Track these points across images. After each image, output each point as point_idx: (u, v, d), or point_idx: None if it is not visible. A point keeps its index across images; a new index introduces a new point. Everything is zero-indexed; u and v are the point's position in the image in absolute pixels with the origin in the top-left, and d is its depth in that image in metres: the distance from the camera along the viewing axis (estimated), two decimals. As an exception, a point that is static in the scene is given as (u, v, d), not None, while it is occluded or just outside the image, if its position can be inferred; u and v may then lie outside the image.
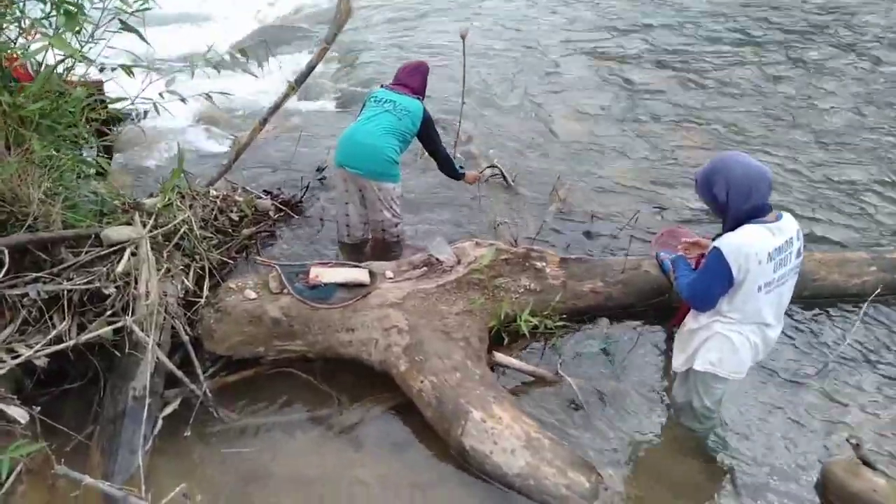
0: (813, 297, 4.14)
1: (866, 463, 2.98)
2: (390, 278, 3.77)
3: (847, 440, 3.00)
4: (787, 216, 2.82)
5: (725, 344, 2.93)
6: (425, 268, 3.83)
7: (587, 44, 8.72)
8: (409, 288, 3.67)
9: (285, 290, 3.58)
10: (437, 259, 3.83)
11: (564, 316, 3.92)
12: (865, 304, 4.01)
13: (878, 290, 4.09)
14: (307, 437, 3.33)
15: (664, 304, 4.02)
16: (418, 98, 4.38)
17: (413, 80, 4.45)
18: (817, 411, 3.49)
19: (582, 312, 4.03)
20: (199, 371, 3.38)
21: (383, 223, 4.51)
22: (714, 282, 2.79)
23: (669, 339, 3.97)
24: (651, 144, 6.20)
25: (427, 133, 4.39)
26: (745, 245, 2.68)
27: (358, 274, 3.69)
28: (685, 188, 5.47)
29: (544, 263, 4.01)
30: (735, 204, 2.74)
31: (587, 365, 3.77)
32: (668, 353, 3.85)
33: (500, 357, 3.60)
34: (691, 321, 3.04)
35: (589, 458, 3.13)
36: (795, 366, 3.79)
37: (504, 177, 5.50)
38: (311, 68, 4.75)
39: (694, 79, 7.62)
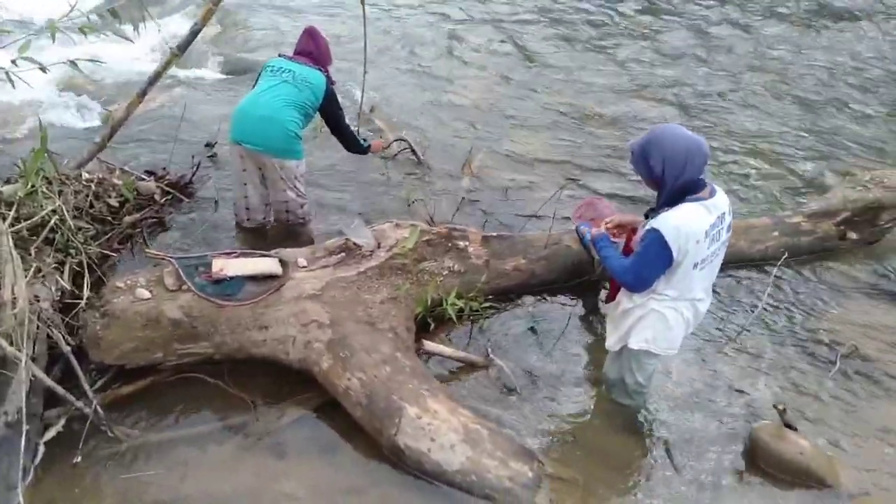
0: (724, 265, 4.24)
1: (790, 427, 3.08)
2: (304, 267, 3.44)
3: (774, 406, 3.08)
4: (719, 191, 2.78)
5: (660, 321, 2.89)
6: (343, 254, 3.52)
7: (495, 13, 8.52)
8: (326, 277, 3.36)
9: (185, 287, 3.17)
10: (356, 244, 3.54)
11: (490, 297, 3.77)
12: (775, 269, 4.17)
13: (784, 256, 4.26)
14: (221, 449, 2.98)
15: (589, 279, 3.97)
16: (320, 69, 4.00)
17: (310, 45, 4.06)
18: (741, 378, 3.58)
19: (507, 291, 3.91)
20: (86, 385, 2.93)
21: (287, 204, 4.13)
22: (654, 265, 2.72)
23: (596, 314, 3.94)
24: (561, 114, 6.15)
25: (330, 108, 4.04)
26: (685, 226, 2.62)
27: (268, 264, 3.33)
28: (600, 158, 5.47)
29: (467, 243, 3.83)
30: (671, 177, 2.66)
31: (517, 346, 3.65)
32: (595, 328, 3.82)
33: (429, 346, 3.40)
34: (625, 300, 2.97)
35: (527, 444, 3.02)
36: (717, 333, 3.87)
37: (413, 151, 5.24)
38: (195, 32, 4.22)
39: (602, 47, 7.64)
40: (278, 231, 4.29)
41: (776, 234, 4.39)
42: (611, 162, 5.47)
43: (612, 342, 3.10)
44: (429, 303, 3.45)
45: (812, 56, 7.88)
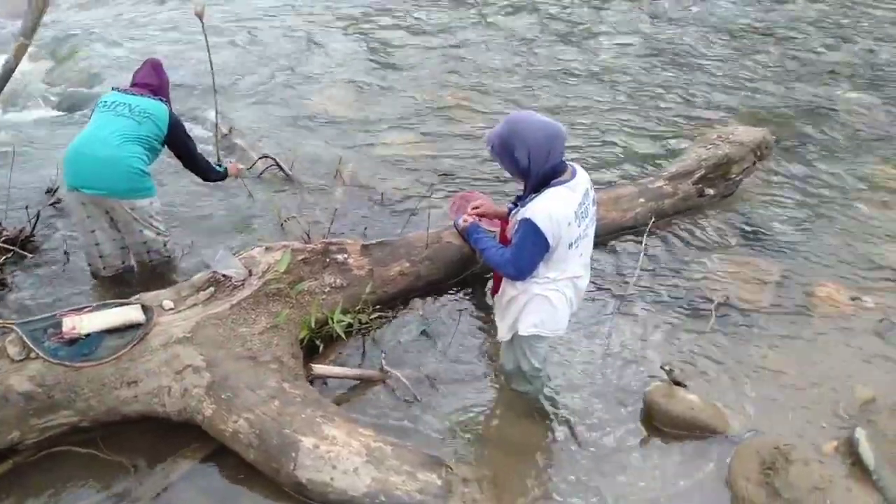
0: (598, 237, 4.36)
1: (679, 384, 3.21)
2: (171, 309, 3.19)
3: (661, 367, 3.19)
4: (578, 169, 2.83)
5: (544, 304, 2.90)
6: (212, 288, 3.30)
7: (347, 16, 8.36)
8: (196, 316, 3.12)
9: (32, 355, 2.83)
10: (224, 275, 3.32)
11: (378, 306, 3.67)
12: (644, 235, 4.34)
13: (651, 221, 4.46)
14: (104, 526, 2.70)
15: (473, 272, 3.96)
16: (160, 99, 3.72)
17: (151, 79, 3.78)
18: (630, 345, 3.69)
19: (394, 298, 3.82)
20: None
21: (147, 244, 3.82)
22: (533, 254, 2.72)
23: (486, 307, 3.93)
24: (423, 111, 6.12)
25: (177, 139, 3.76)
26: (555, 212, 2.64)
27: (127, 313, 3.05)
28: (471, 150, 5.48)
29: (346, 255, 3.70)
30: (537, 166, 2.66)
31: (411, 352, 3.58)
32: (487, 321, 3.81)
33: (319, 369, 3.25)
34: (509, 289, 2.96)
35: (434, 451, 2.95)
36: (601, 305, 3.97)
37: (280, 167, 5.02)
38: (9, 71, 3.81)
39: (444, 42, 7.69)
40: (143, 274, 3.96)
41: (642, 200, 4.58)
42: (482, 152, 5.50)
43: (502, 332, 3.09)
44: (313, 324, 3.29)
45: (656, 30, 8.34)
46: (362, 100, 6.23)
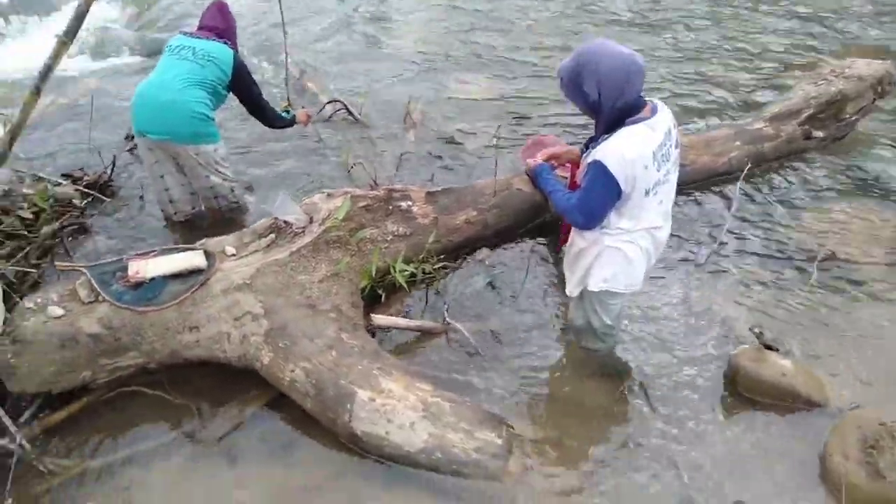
0: (686, 184, 4.00)
1: (770, 348, 2.89)
2: (233, 255, 3.16)
3: (750, 329, 2.88)
4: (661, 105, 2.51)
5: (618, 257, 2.64)
6: (273, 235, 3.24)
7: None
8: (257, 262, 3.08)
9: (101, 298, 2.88)
10: (285, 222, 3.24)
11: (442, 256, 3.52)
12: (739, 182, 3.92)
13: (748, 167, 4.01)
14: (169, 464, 2.74)
15: (545, 221, 3.72)
16: (226, 42, 3.63)
17: (217, 21, 3.68)
18: (715, 302, 3.37)
19: (460, 247, 3.65)
20: (6, 420, 2.68)
21: (214, 189, 3.81)
22: (602, 200, 2.46)
23: (555, 260, 3.70)
24: (501, 52, 5.78)
25: (243, 83, 3.67)
26: (630, 153, 2.35)
27: (190, 258, 3.04)
28: (543, 96, 5.14)
29: (410, 202, 3.54)
30: (609, 101, 2.37)
31: (476, 304, 3.42)
32: (556, 273, 3.58)
33: (379, 319, 3.15)
34: (578, 240, 2.72)
35: (495, 408, 2.82)
36: (684, 257, 3.64)
37: (349, 111, 4.89)
38: (81, 15, 3.78)
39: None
40: (214, 219, 3.97)
41: (738, 143, 4.13)
42: (557, 94, 5.14)
43: (571, 287, 2.86)
44: (374, 273, 3.18)
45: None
46: (436, 42, 5.95)
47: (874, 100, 4.38)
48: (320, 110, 4.91)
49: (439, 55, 5.70)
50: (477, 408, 2.71)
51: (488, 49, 5.79)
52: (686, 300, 3.39)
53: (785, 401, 2.80)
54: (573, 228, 2.76)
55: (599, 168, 2.40)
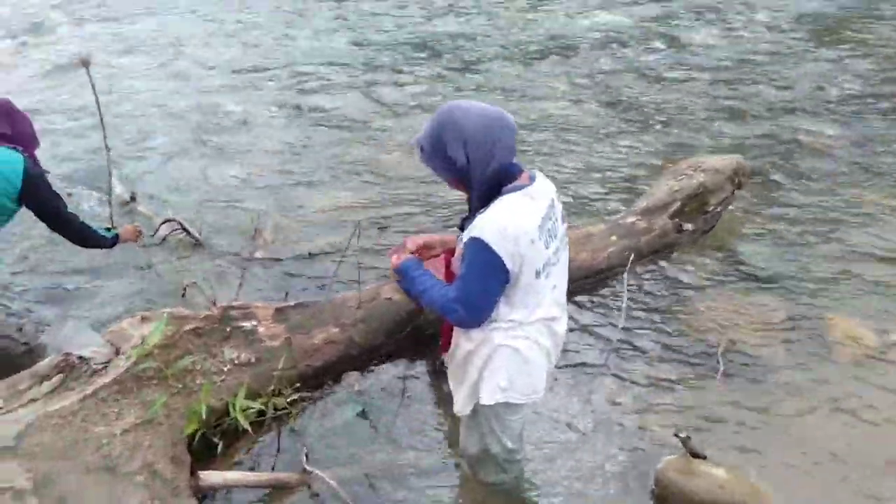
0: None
1: (697, 455, 2.43)
2: (-1, 409, 2.29)
3: (675, 435, 2.41)
4: (539, 175, 2.14)
5: (513, 358, 2.13)
6: (60, 374, 2.41)
7: (252, 68, 7.69)
8: (30, 415, 2.23)
9: None
10: (79, 357, 2.45)
11: (298, 385, 2.82)
12: (626, 274, 3.64)
13: (631, 259, 3.78)
14: None
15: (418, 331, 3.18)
16: (15, 148, 2.95)
17: (7, 127, 3.01)
18: (623, 410, 2.91)
19: (322, 373, 2.98)
20: None
21: (-9, 330, 2.93)
22: (486, 284, 1.98)
23: (438, 373, 3.12)
24: (354, 165, 5.43)
25: (39, 195, 2.96)
26: (511, 225, 1.93)
27: (-74, 419, 2.14)
28: (409, 198, 4.80)
29: (254, 322, 2.88)
30: (479, 165, 1.97)
31: (345, 443, 2.71)
32: (442, 390, 2.99)
33: (209, 477, 2.34)
34: (463, 342, 2.18)
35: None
36: (580, 363, 3.20)
37: (187, 231, 4.22)
38: None
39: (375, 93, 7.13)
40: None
41: (614, 237, 3.92)
42: (422, 196, 4.83)
43: (459, 404, 2.28)
44: (203, 415, 2.41)
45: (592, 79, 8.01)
46: (285, 158, 5.51)
47: (733, 191, 4.44)
48: (154, 232, 4.20)
49: (289, 169, 5.26)
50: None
51: (345, 163, 5.44)
52: (590, 408, 2.90)
53: (727, 519, 2.30)
54: (455, 329, 2.23)
55: (478, 246, 1.94)
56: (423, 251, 2.41)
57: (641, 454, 2.65)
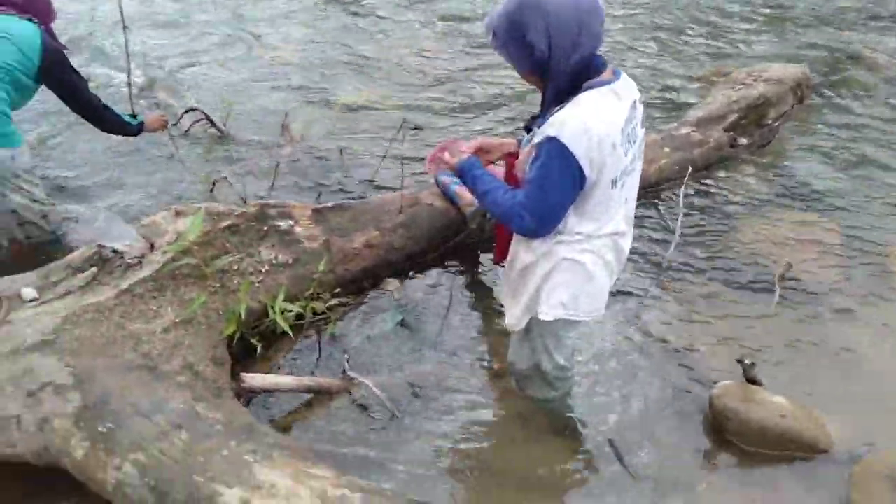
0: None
1: (755, 382, 2.32)
2: (33, 300, 2.19)
3: (738, 361, 2.29)
4: (622, 72, 1.90)
5: (577, 273, 1.97)
6: (94, 269, 2.29)
7: None
8: (67, 309, 2.12)
9: None
10: (112, 250, 2.31)
11: (338, 290, 2.70)
12: (682, 189, 3.43)
13: (689, 172, 3.56)
14: None
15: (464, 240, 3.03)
16: (30, 19, 2.70)
17: None
18: (674, 331, 2.79)
19: (360, 278, 2.85)
20: None
21: (17, 216, 2.79)
22: (559, 191, 1.79)
23: (483, 284, 3.00)
24: (392, 60, 5.10)
25: (57, 72, 2.72)
26: (596, 125, 1.71)
27: (-42, 308, 2.04)
28: (447, 98, 4.52)
29: (291, 221, 2.72)
30: (562, 54, 1.73)
31: (386, 351, 2.62)
32: (487, 302, 2.88)
33: (253, 379, 2.26)
34: (524, 253, 2.02)
35: (422, 493, 2.03)
36: (631, 278, 3.06)
37: (212, 122, 4.01)
38: None
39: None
40: (18, 257, 2.92)
41: (667, 149, 3.69)
42: (460, 99, 4.54)
43: (513, 318, 2.15)
44: (243, 316, 2.31)
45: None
46: (320, 48, 5.17)
47: (794, 104, 4.14)
48: (176, 122, 3.98)
49: (318, 63, 4.93)
50: (398, 497, 1.90)
51: (382, 57, 5.11)
52: (642, 329, 2.78)
53: (787, 448, 2.22)
54: (515, 238, 2.07)
55: (554, 146, 1.73)
56: (480, 153, 2.21)
57: (692, 378, 2.56)
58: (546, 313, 2.03)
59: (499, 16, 1.78)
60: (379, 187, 3.51)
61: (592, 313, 2.07)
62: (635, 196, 2.03)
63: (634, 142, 1.90)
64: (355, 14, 5.86)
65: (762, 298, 2.97)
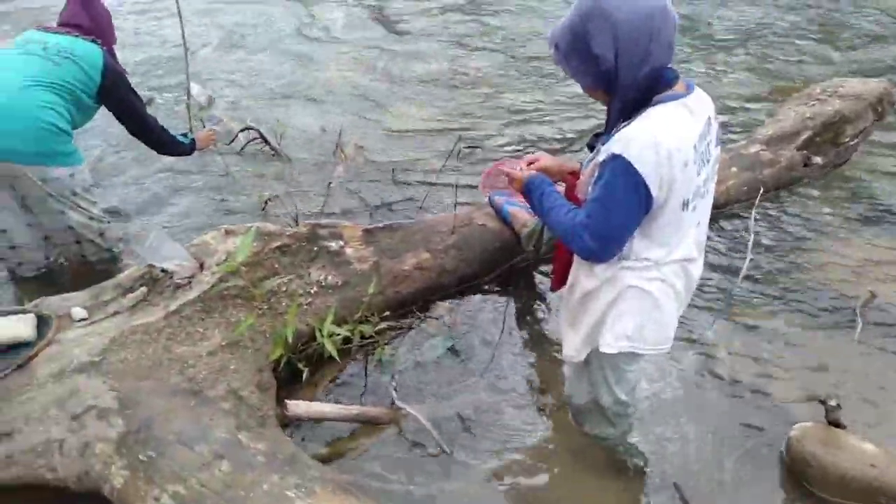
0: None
1: (838, 425, 2.11)
2: (82, 320, 2.18)
3: (820, 402, 2.09)
4: (695, 85, 1.76)
5: (645, 303, 1.83)
6: (143, 289, 2.27)
7: None
8: (115, 329, 2.10)
9: None
10: (162, 270, 2.29)
11: (387, 314, 2.62)
12: (754, 210, 3.22)
13: (759, 195, 3.35)
14: None
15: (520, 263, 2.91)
16: (93, 41, 2.74)
17: (79, 17, 2.79)
18: (744, 365, 2.58)
19: (410, 301, 2.77)
20: None
21: (75, 232, 2.81)
22: (624, 213, 1.65)
23: (537, 311, 2.86)
24: (441, 80, 5.05)
25: (117, 91, 2.75)
26: (664, 141, 1.57)
27: (11, 327, 2.04)
28: (500, 115, 4.43)
29: (341, 242, 2.66)
30: (630, 66, 1.60)
31: (435, 380, 2.51)
32: (542, 330, 2.74)
33: (298, 407, 2.18)
34: (585, 278, 1.89)
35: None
36: (698, 306, 2.87)
37: (266, 141, 4.02)
38: None
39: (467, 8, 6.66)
40: (78, 274, 2.95)
41: (735, 169, 3.48)
42: (509, 122, 4.44)
43: (572, 349, 2.01)
44: (290, 339, 2.24)
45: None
46: (370, 70, 5.17)
47: (874, 121, 3.87)
48: (231, 140, 4.02)
49: (374, 85, 4.92)
50: (447, 539, 1.78)
51: (430, 78, 5.07)
52: (708, 360, 2.59)
53: (875, 502, 2.00)
54: (576, 263, 1.94)
55: (620, 164, 1.60)
56: (541, 172, 2.10)
57: (766, 418, 2.35)
58: (609, 345, 1.88)
59: (562, 27, 1.67)
60: (431, 208, 3.42)
61: (659, 346, 1.91)
62: (707, 218, 1.88)
63: (708, 161, 1.75)
64: (407, 34, 5.86)
65: (842, 330, 2.74)
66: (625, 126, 1.65)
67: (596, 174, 1.70)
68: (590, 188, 1.75)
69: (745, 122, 4.39)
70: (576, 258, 1.92)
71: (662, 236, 1.74)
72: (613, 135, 1.66)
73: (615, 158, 1.60)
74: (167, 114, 4.32)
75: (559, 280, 2.14)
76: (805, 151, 3.69)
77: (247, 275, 2.28)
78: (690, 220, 1.76)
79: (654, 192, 1.61)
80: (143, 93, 4.41)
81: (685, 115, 1.65)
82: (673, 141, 1.59)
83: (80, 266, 2.95)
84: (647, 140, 1.58)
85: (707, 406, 2.42)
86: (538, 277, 3.00)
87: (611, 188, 1.63)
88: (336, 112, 4.54)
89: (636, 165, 1.58)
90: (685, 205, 1.70)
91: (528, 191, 1.91)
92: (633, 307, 1.83)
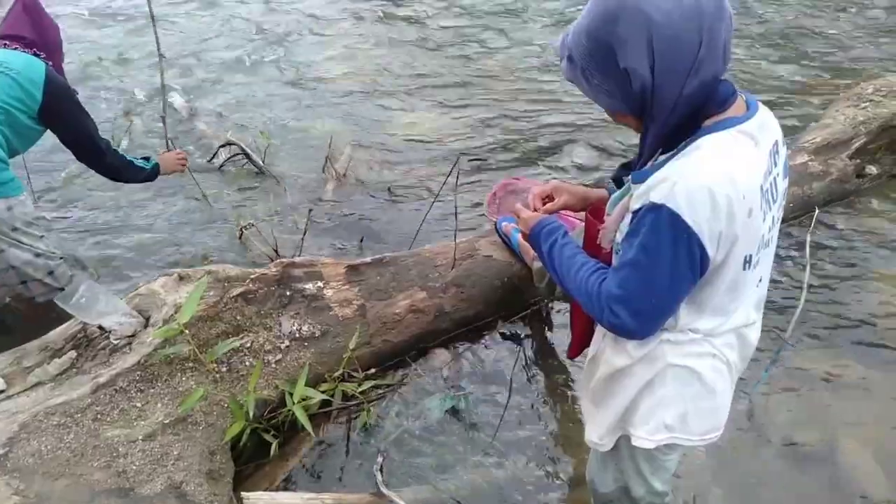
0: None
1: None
2: (1, 392, 1.79)
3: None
4: (759, 104, 1.32)
5: (690, 385, 1.40)
6: (73, 352, 1.88)
7: None
8: (28, 411, 1.71)
9: None
10: (99, 327, 1.90)
11: (373, 370, 2.21)
12: (808, 241, 2.77)
13: (814, 219, 2.91)
14: None
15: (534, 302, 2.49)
16: (35, 54, 2.37)
17: (22, 27, 2.42)
18: (802, 424, 2.15)
19: (402, 351, 2.36)
20: None
21: (19, 271, 2.41)
22: (668, 279, 1.22)
23: (556, 358, 2.44)
24: (450, 85, 4.61)
25: (60, 110, 2.37)
26: (724, 186, 1.14)
27: None
28: (514, 126, 4.00)
29: (320, 283, 2.26)
30: (672, 82, 1.17)
31: (431, 452, 2.10)
32: (557, 384, 2.32)
33: (256, 499, 1.78)
34: (614, 354, 1.46)
35: None
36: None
37: (248, 156, 3.62)
38: None
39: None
40: (28, 317, 2.57)
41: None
42: (525, 128, 4.00)
43: (595, 435, 1.59)
44: (251, 411, 1.84)
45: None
46: (369, 76, 4.74)
47: (937, 125, 3.40)
48: (211, 158, 3.64)
49: (373, 92, 4.50)
50: None
51: (430, 76, 4.64)
52: (756, 427, 2.16)
53: None
54: (599, 331, 1.52)
55: (663, 219, 1.17)
56: (547, 202, 1.69)
57: (835, 492, 1.91)
58: (643, 439, 1.47)
59: (576, 32, 1.23)
60: (429, 234, 3.00)
61: (707, 435, 1.48)
62: (769, 272, 1.44)
63: (775, 201, 1.32)
64: (410, 41, 5.43)
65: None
66: (665, 161, 1.22)
67: (628, 225, 1.27)
68: (617, 239, 1.34)
69: (789, 117, 3.93)
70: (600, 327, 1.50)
71: (717, 303, 1.32)
72: (650, 172, 1.24)
73: (656, 209, 1.17)
74: (145, 132, 3.93)
75: (577, 347, 1.72)
76: (858, 161, 3.23)
77: (201, 332, 1.88)
78: (752, 279, 1.33)
79: (710, 253, 1.18)
80: (118, 107, 4.10)
81: (748, 145, 1.22)
82: (733, 184, 1.16)
83: (30, 310, 2.58)
84: (699, 184, 1.14)
85: (764, 481, 1.99)
86: (556, 318, 2.57)
87: (652, 249, 1.20)
88: (329, 119, 4.13)
89: (686, 219, 1.15)
90: (747, 262, 1.28)
91: (533, 242, 1.49)
92: (676, 392, 1.41)
